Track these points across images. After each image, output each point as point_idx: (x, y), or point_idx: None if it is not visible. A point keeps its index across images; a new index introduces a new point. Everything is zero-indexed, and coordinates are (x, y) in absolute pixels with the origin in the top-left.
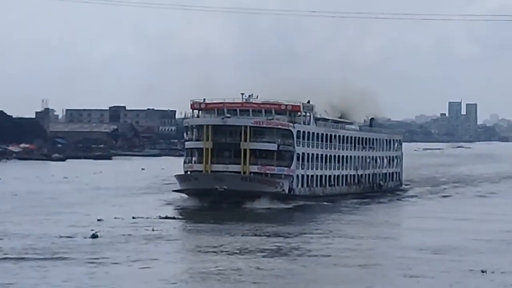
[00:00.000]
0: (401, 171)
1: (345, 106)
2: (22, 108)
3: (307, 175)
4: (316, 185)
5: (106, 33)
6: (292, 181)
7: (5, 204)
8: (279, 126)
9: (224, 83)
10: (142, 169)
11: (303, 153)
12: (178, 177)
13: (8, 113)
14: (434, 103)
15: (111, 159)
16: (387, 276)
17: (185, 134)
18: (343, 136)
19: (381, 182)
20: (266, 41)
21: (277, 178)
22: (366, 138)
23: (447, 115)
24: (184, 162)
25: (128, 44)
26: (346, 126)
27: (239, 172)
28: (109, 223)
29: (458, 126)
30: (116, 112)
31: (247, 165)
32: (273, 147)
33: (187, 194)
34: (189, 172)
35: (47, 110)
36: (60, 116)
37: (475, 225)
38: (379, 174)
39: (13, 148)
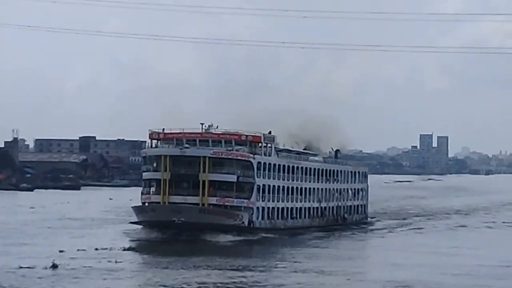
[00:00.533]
0: (366, 204)
1: (310, 138)
2: None
3: (268, 207)
4: (278, 218)
5: (79, 62)
6: (252, 214)
7: None
8: (239, 157)
9: (194, 113)
10: (110, 199)
11: (263, 185)
12: (135, 208)
13: None
14: (406, 136)
15: (79, 189)
16: None
17: (142, 165)
18: (306, 167)
19: (346, 215)
20: (238, 72)
21: (236, 210)
22: (330, 170)
23: (418, 147)
24: (142, 193)
25: (101, 74)
26: (310, 157)
27: (198, 204)
28: (71, 254)
29: (429, 158)
30: (86, 142)
31: (206, 197)
32: (232, 178)
33: (144, 226)
34: (146, 204)
35: (16, 140)
36: (30, 146)
37: (442, 259)
38: (344, 207)
39: None
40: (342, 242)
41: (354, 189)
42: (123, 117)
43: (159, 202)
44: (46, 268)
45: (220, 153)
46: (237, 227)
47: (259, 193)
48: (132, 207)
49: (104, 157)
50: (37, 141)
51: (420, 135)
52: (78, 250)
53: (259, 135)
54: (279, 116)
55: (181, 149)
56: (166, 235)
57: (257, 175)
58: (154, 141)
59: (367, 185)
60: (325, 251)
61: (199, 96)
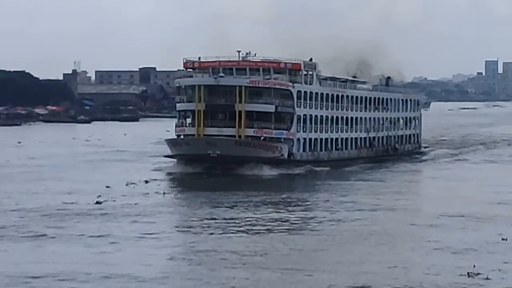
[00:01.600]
0: (420, 133)
1: (362, 65)
2: (55, 70)
3: (310, 139)
4: (321, 149)
5: None
6: (292, 145)
7: (16, 169)
8: (277, 86)
9: (249, 43)
10: (167, 130)
11: (304, 115)
12: (169, 141)
13: (40, 76)
14: (471, 62)
15: (138, 120)
16: (403, 248)
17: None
18: (352, 96)
19: (397, 145)
20: (301, 1)
21: (275, 142)
22: (378, 98)
23: (483, 74)
24: (176, 126)
25: (162, 4)
26: (358, 85)
27: (234, 136)
28: (117, 189)
29: (494, 85)
30: (146, 74)
31: (242, 128)
32: (270, 108)
33: (179, 159)
34: (182, 136)
35: (75, 72)
36: (92, 78)
37: (501, 190)
38: (395, 136)
39: (39, 110)
40: (392, 174)
41: (406, 117)
42: (184, 47)
43: (193, 135)
44: (89, 204)
45: (257, 82)
46: (276, 159)
47: (299, 123)
48: (165, 140)
49: (164, 88)
50: (97, 72)
51: (485, 61)
52: (126, 185)
53: (299, 62)
54: (333, 44)
55: (215, 78)
56: (201, 169)
57: (297, 104)
58: (190, 71)
59: (420, 113)
60: (373, 183)
61: (257, 26)
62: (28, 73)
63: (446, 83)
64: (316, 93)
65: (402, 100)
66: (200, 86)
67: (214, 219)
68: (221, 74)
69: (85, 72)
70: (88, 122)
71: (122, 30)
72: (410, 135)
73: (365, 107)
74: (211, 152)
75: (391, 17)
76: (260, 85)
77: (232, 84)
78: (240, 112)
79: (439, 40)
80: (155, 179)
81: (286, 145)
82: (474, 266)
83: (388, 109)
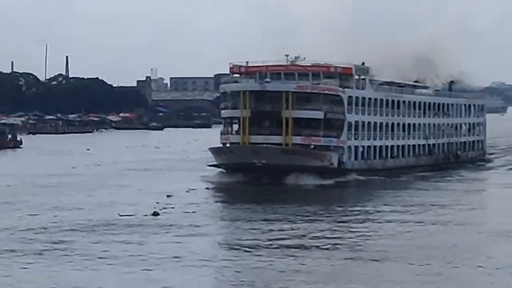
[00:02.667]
0: (484, 139)
1: (425, 70)
2: (130, 77)
3: (362, 146)
4: (374, 157)
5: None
6: (342, 154)
7: (80, 177)
8: (326, 91)
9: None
10: None
11: (356, 122)
12: (213, 150)
13: (115, 83)
14: None
15: (211, 127)
16: (465, 266)
17: (221, 102)
18: (410, 101)
19: (459, 152)
20: (377, 10)
21: (324, 150)
22: (439, 103)
23: None
24: (221, 133)
25: (236, 12)
26: (417, 90)
27: (281, 144)
28: (177, 199)
29: None
30: (221, 80)
31: (290, 136)
32: (319, 115)
33: (224, 169)
34: (228, 144)
35: (149, 79)
36: (169, 85)
37: None
38: (457, 143)
39: (112, 117)
40: (453, 183)
41: (469, 123)
42: (256, 54)
43: (238, 143)
44: (145, 216)
45: (305, 87)
46: (325, 168)
47: (350, 130)
48: (209, 148)
49: None
50: (171, 79)
51: None
52: (187, 191)
53: (350, 66)
54: (395, 49)
55: (261, 83)
56: (246, 178)
57: (348, 110)
58: (236, 76)
59: (485, 119)
60: (432, 193)
61: (338, 34)
62: (102, 80)
63: None
64: (369, 99)
65: (465, 105)
66: (245, 92)
67: (267, 231)
68: (267, 79)
69: (162, 79)
70: (160, 129)
71: (198, 38)
72: (473, 141)
73: (424, 113)
74: (257, 161)
75: (467, 23)
76: (308, 91)
77: (278, 89)
78: (287, 119)
79: None
80: (210, 188)
81: (336, 153)
82: None
83: (449, 115)
